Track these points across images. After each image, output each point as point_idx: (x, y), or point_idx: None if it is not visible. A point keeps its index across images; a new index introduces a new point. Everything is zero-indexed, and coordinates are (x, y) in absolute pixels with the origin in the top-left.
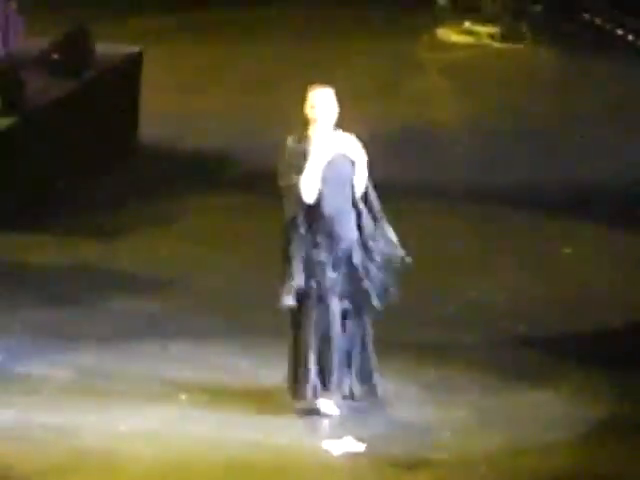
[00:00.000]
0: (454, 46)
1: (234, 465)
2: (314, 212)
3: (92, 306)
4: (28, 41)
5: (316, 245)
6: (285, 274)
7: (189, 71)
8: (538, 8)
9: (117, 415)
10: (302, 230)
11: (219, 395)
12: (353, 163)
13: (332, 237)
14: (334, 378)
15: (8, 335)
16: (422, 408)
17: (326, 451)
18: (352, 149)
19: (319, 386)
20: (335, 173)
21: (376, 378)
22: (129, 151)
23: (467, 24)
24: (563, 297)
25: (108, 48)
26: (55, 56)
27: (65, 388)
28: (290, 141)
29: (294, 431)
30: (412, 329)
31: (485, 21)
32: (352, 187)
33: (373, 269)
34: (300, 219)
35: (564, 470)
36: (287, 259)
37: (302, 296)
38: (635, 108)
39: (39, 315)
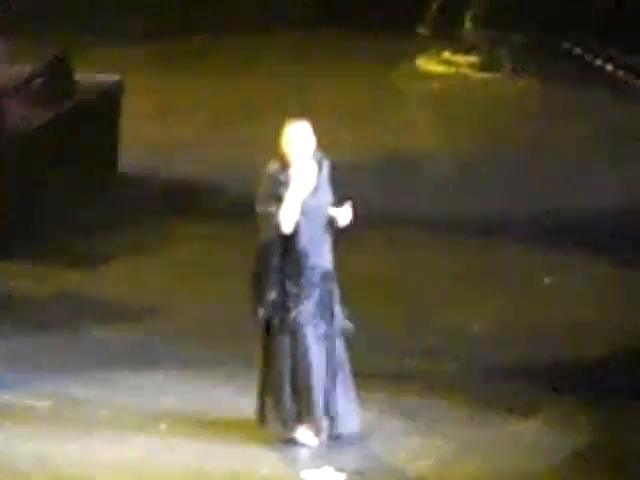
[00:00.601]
0: (434, 76)
1: None
2: (289, 241)
3: (73, 335)
4: (9, 68)
5: (289, 276)
6: (256, 298)
7: (171, 100)
8: (519, 38)
9: (98, 444)
10: (276, 259)
11: (200, 425)
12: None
13: (306, 267)
14: (312, 407)
15: None
16: (403, 438)
17: None
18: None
19: (294, 416)
20: (313, 204)
21: (353, 408)
22: (110, 180)
23: (446, 54)
24: (544, 326)
25: (88, 77)
26: (35, 84)
27: (46, 417)
28: (271, 168)
29: (274, 461)
30: (394, 359)
31: (465, 51)
32: (330, 216)
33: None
34: (275, 247)
35: None
36: (259, 284)
37: (274, 326)
38: (616, 138)
39: (20, 344)
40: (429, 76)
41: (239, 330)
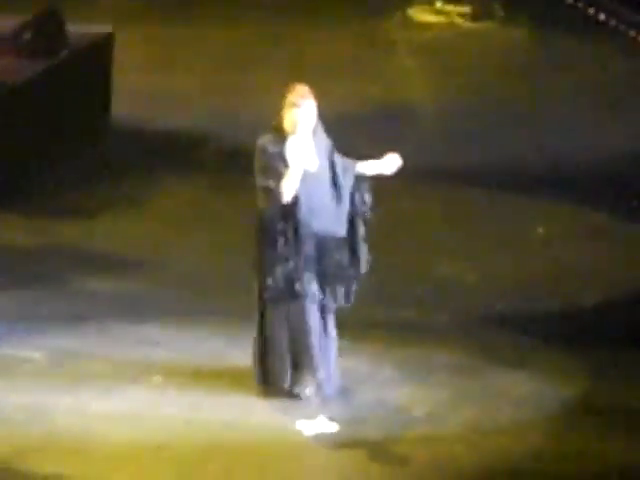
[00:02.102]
0: (425, 26)
1: (208, 446)
2: (290, 212)
3: (63, 287)
4: None
5: (293, 247)
6: (260, 272)
7: (159, 52)
8: None
9: (90, 396)
10: (279, 230)
11: (191, 376)
12: (333, 159)
13: (309, 236)
14: (310, 365)
15: None
16: (395, 388)
17: (299, 431)
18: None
19: (291, 372)
20: (312, 172)
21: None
22: (100, 132)
23: (438, 4)
24: (535, 277)
25: (79, 29)
26: (26, 36)
27: (37, 369)
28: (265, 140)
29: (267, 412)
30: (384, 310)
31: (457, 0)
32: (335, 183)
33: (348, 269)
34: (277, 221)
35: (535, 448)
36: (263, 258)
37: (277, 294)
38: (610, 88)
39: (10, 296)
40: (421, 26)
41: (230, 281)
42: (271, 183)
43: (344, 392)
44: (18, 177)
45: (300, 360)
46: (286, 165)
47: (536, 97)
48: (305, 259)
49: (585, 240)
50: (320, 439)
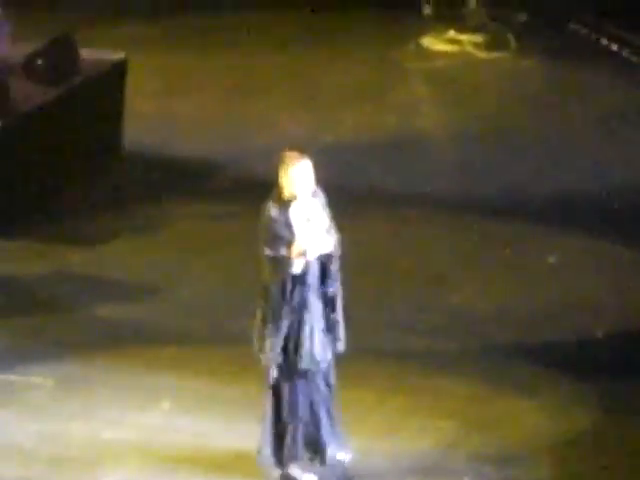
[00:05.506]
0: (438, 55)
1: (216, 473)
2: (297, 282)
3: (75, 313)
4: (13, 46)
5: (299, 316)
6: (265, 341)
7: (173, 78)
8: (523, 17)
9: (100, 422)
10: (287, 301)
11: (202, 402)
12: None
13: (313, 305)
14: (322, 444)
15: None
16: (405, 417)
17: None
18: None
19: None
20: (317, 238)
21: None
22: (113, 158)
23: (451, 33)
24: (547, 305)
25: (92, 54)
26: (39, 62)
27: (48, 395)
28: (271, 211)
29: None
30: (395, 337)
31: (470, 30)
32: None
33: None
34: (286, 290)
35: (546, 478)
36: (268, 328)
37: (285, 368)
38: (619, 117)
39: (21, 322)
40: (434, 55)
41: (240, 308)
42: (281, 251)
43: (353, 421)
44: (30, 203)
45: (314, 438)
46: (292, 233)
47: (548, 126)
48: (310, 325)
49: (596, 270)
50: (330, 470)
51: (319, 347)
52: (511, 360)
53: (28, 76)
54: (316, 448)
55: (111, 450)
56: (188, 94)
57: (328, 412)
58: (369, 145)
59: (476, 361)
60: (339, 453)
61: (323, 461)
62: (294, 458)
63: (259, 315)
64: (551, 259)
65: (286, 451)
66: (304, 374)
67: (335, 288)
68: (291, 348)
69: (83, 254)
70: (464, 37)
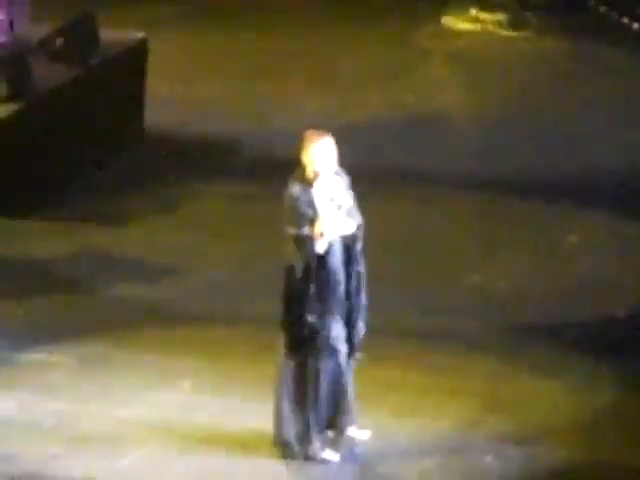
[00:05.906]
0: (460, 34)
1: (236, 452)
2: (321, 261)
3: (94, 293)
4: (33, 27)
5: (323, 297)
6: (290, 323)
7: (191, 58)
8: None
9: (119, 402)
10: (312, 281)
11: (221, 382)
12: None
13: (336, 286)
14: (342, 424)
15: (11, 321)
16: (424, 396)
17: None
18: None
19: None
20: (341, 219)
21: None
22: (133, 138)
23: (473, 12)
24: (567, 286)
25: (112, 34)
26: (59, 42)
27: (68, 375)
28: (293, 189)
29: None
30: (414, 317)
31: (491, 9)
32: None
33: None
34: (310, 269)
35: (567, 458)
36: (293, 308)
37: (309, 348)
38: None
39: (41, 301)
40: (456, 34)
41: (261, 288)
42: (305, 230)
43: (374, 400)
44: (51, 183)
45: (336, 418)
46: (316, 213)
47: (571, 105)
48: (335, 306)
49: (617, 250)
50: (350, 449)
51: (342, 327)
52: (531, 340)
53: (48, 56)
54: (336, 427)
55: (130, 430)
56: (208, 75)
57: (349, 392)
58: (390, 125)
59: (497, 341)
60: (359, 432)
61: (343, 440)
62: (315, 437)
63: (284, 295)
64: (572, 239)
65: (306, 430)
66: (326, 354)
67: (359, 269)
68: (315, 328)
69: (103, 235)
70: (485, 16)
